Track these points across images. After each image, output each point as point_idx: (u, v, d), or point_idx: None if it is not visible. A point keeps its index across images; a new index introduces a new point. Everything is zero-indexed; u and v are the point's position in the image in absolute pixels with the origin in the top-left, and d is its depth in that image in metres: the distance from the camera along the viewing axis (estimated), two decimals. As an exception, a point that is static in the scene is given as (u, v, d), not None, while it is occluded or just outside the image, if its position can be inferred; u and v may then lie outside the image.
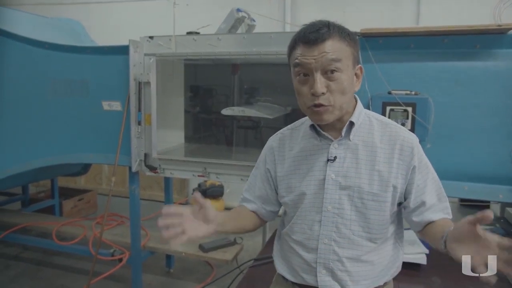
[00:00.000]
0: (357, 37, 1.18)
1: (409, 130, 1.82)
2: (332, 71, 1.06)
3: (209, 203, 1.10)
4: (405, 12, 4.19)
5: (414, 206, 1.18)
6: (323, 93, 1.06)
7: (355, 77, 1.14)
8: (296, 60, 1.10)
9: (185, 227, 1.04)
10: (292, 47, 1.14)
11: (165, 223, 1.03)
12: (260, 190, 1.35)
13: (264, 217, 1.39)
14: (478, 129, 1.86)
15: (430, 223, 1.17)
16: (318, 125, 1.20)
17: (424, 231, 1.19)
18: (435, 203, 1.18)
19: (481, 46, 1.84)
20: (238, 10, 2.42)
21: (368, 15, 4.25)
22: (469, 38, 1.84)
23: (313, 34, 1.06)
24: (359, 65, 1.16)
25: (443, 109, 1.88)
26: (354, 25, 2.06)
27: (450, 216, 1.20)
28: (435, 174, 1.21)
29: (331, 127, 1.19)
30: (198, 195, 1.10)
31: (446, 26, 1.81)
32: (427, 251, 1.86)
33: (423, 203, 1.17)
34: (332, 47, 1.06)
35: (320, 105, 1.08)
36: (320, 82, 1.06)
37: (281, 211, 1.40)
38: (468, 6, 3.88)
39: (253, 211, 1.37)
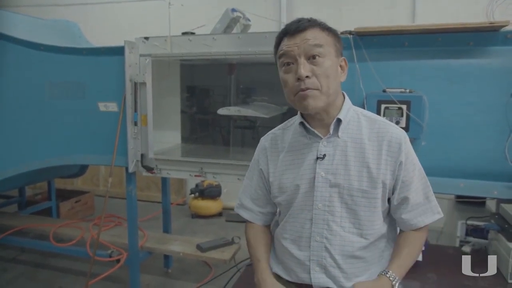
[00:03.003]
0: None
1: (404, 127, 1.83)
2: (315, 56, 1.10)
3: None
4: (401, 11, 4.20)
5: (397, 202, 1.18)
6: (307, 76, 1.09)
7: (339, 68, 1.17)
8: (281, 52, 1.14)
9: None
10: (277, 44, 1.18)
11: None
12: (256, 193, 1.35)
13: (264, 222, 1.39)
14: (472, 126, 1.86)
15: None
16: (306, 120, 1.21)
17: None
18: (422, 202, 1.19)
19: (474, 44, 1.85)
20: (233, 10, 2.43)
21: (364, 14, 4.26)
22: (462, 36, 1.85)
23: (294, 25, 1.12)
24: (343, 57, 1.19)
25: (438, 106, 1.89)
26: (351, 24, 2.08)
27: (441, 215, 1.21)
28: (422, 172, 1.21)
29: (318, 123, 1.20)
30: None
31: (439, 24, 1.82)
32: (422, 247, 1.87)
33: (406, 200, 1.17)
34: (313, 35, 1.11)
35: (307, 88, 1.10)
36: (304, 66, 1.09)
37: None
38: (463, 4, 3.89)
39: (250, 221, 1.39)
